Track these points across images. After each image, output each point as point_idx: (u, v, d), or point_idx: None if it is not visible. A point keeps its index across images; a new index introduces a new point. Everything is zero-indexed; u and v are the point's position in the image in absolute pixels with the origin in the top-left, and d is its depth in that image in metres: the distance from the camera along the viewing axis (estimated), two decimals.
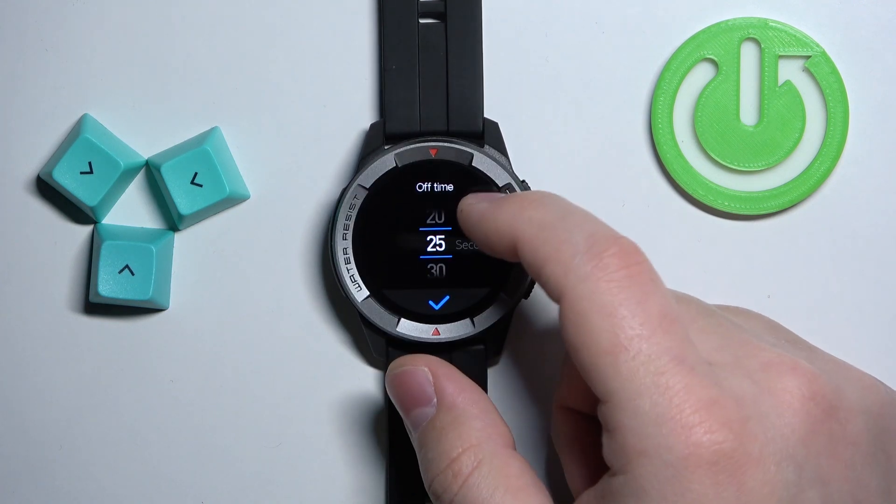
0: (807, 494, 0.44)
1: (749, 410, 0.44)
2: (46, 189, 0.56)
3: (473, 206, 0.49)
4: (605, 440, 0.45)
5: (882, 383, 0.49)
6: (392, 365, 0.51)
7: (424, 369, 0.50)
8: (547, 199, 0.47)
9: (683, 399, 0.43)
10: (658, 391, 0.43)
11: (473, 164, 0.53)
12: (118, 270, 0.55)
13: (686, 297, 0.48)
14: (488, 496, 0.47)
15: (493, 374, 0.56)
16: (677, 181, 0.56)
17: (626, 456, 0.44)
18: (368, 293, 0.54)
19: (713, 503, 0.43)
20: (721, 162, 0.55)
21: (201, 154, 0.54)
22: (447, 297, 0.54)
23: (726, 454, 0.43)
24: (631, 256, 0.45)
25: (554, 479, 0.56)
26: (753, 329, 0.49)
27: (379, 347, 0.55)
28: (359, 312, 0.54)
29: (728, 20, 0.55)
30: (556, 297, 0.45)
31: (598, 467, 0.49)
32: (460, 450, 0.48)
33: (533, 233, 0.46)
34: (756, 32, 0.55)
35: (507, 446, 0.49)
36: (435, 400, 0.50)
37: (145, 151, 0.56)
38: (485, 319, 0.54)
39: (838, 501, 0.45)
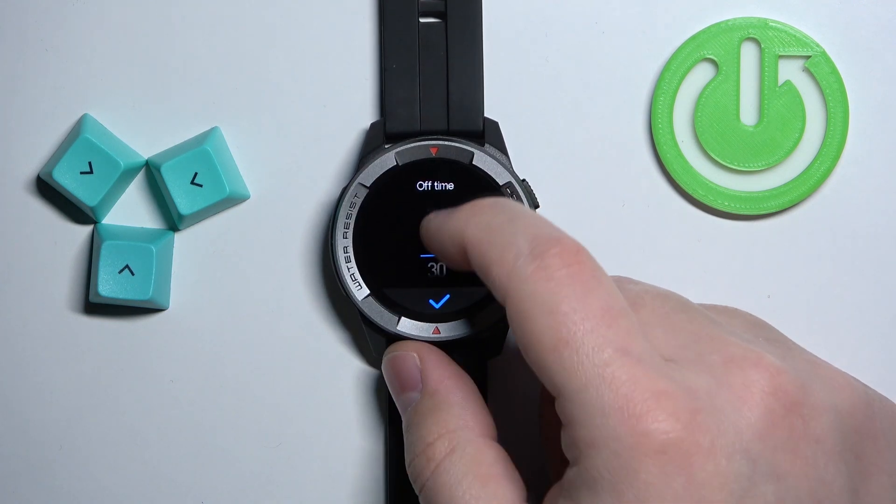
0: (760, 489, 0.44)
1: (701, 403, 0.44)
2: (46, 189, 0.56)
3: (431, 219, 0.50)
4: (562, 434, 0.45)
5: (860, 384, 0.49)
6: (388, 349, 0.53)
7: (413, 355, 0.52)
8: (496, 204, 0.48)
9: (630, 389, 0.43)
10: (603, 383, 0.44)
11: (474, 163, 0.53)
12: (118, 270, 0.55)
13: (663, 293, 0.49)
14: (456, 482, 0.47)
15: (492, 373, 0.56)
16: (677, 181, 0.56)
17: (577, 447, 0.44)
18: (369, 292, 0.54)
19: (662, 492, 0.43)
20: (721, 162, 0.55)
21: (201, 154, 0.54)
22: (447, 296, 0.54)
23: (674, 443, 0.43)
24: (572, 255, 0.45)
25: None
26: (730, 326, 0.49)
27: (379, 346, 0.55)
28: (359, 311, 0.54)
29: (728, 20, 0.55)
30: (501, 299, 0.46)
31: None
32: (436, 435, 0.49)
33: (480, 237, 0.47)
34: (756, 32, 0.55)
35: (485, 435, 0.49)
36: (421, 385, 0.51)
37: (145, 151, 0.56)
38: (485, 318, 0.54)
39: (795, 497, 0.45)
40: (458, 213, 0.48)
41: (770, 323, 0.52)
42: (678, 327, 0.47)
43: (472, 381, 0.51)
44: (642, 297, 0.48)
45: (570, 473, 0.45)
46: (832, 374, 0.48)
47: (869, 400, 0.48)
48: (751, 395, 0.45)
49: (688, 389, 0.44)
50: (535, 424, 0.56)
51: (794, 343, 0.51)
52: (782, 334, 0.51)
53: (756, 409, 0.45)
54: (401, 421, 0.52)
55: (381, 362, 0.56)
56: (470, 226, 0.48)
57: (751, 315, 0.51)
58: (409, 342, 0.53)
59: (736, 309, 0.52)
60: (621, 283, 0.49)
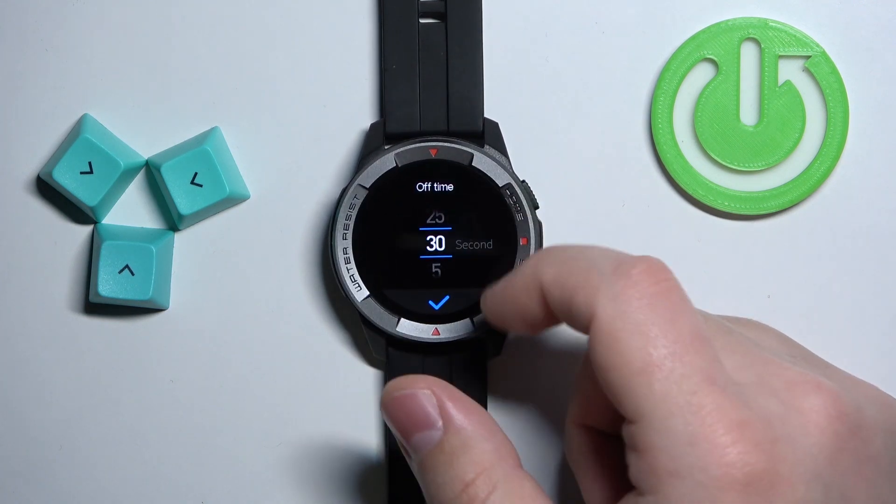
0: None
1: (778, 431, 0.44)
2: (46, 189, 0.56)
3: (490, 289, 0.50)
4: (632, 460, 0.44)
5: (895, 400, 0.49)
6: (389, 388, 0.49)
7: (427, 392, 0.48)
8: (559, 245, 0.48)
9: (716, 419, 0.43)
10: (691, 411, 0.43)
11: (473, 164, 0.53)
12: (118, 270, 0.55)
13: (705, 314, 0.48)
14: None
15: (492, 373, 0.56)
16: (677, 181, 0.56)
17: (656, 476, 0.43)
18: (368, 293, 0.54)
19: None
20: (721, 162, 0.55)
21: (201, 154, 0.54)
22: (447, 297, 0.54)
23: (758, 475, 0.43)
24: (660, 273, 0.45)
25: (560, 486, 0.56)
26: (770, 346, 0.49)
27: (379, 347, 0.55)
28: (359, 312, 0.54)
29: (728, 20, 0.55)
30: (587, 321, 0.45)
31: (618, 486, 0.48)
32: (473, 474, 0.47)
33: (556, 270, 0.46)
34: (756, 32, 0.55)
35: (517, 466, 0.48)
36: (440, 423, 0.48)
37: (145, 151, 0.56)
38: (485, 319, 0.54)
39: None
40: (523, 268, 0.48)
41: (777, 328, 0.52)
42: (730, 349, 0.46)
43: (484, 410, 0.49)
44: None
45: (640, 502, 0.44)
46: (875, 393, 0.49)
47: None
48: (818, 420, 0.45)
49: (764, 418, 0.44)
50: (534, 425, 0.56)
51: (824, 360, 0.51)
52: (809, 351, 0.51)
53: (825, 434, 0.45)
54: None
55: (380, 362, 0.56)
56: (542, 267, 0.47)
57: (774, 329, 0.51)
58: (411, 378, 0.49)
59: (759, 323, 0.51)
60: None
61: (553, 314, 0.47)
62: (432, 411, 0.48)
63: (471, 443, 0.48)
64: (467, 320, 0.54)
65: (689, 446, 0.43)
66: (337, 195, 0.55)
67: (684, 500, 0.43)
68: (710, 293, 0.56)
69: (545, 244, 0.55)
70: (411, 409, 0.48)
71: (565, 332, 0.56)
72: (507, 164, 0.54)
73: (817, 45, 0.55)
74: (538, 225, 0.54)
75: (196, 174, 0.54)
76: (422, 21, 0.54)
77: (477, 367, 0.55)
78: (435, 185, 0.54)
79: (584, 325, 0.45)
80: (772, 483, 0.43)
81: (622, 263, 0.45)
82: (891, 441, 0.47)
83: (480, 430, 0.48)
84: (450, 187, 0.53)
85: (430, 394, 0.48)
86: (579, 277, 0.45)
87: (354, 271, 0.54)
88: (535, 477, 0.50)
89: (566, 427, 0.51)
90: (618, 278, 0.44)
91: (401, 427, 0.49)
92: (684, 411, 0.43)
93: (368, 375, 0.57)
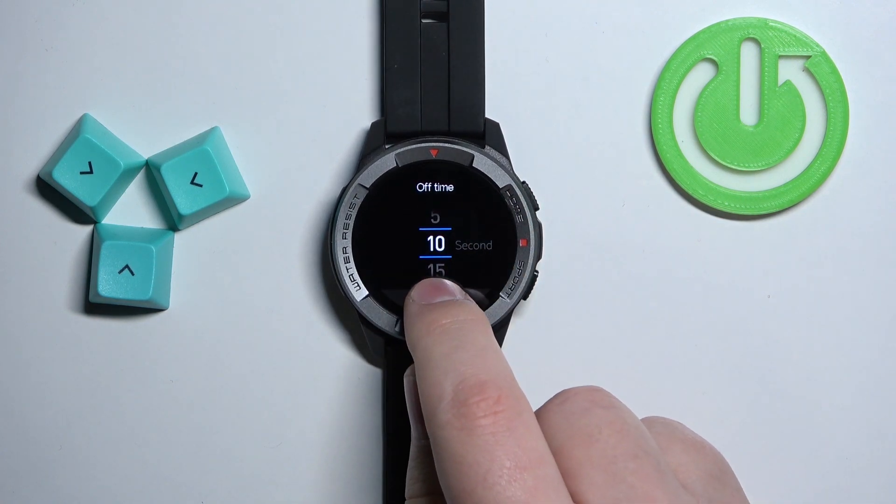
0: None
1: None
2: (46, 189, 0.56)
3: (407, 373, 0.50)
4: None
5: None
6: (410, 370, 0.50)
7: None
8: (446, 328, 0.48)
9: None
10: None
11: (474, 165, 0.53)
12: (118, 270, 0.55)
13: (628, 428, 0.46)
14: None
15: None
16: (677, 181, 0.56)
17: None
18: (367, 293, 0.54)
19: None
20: (721, 162, 0.55)
21: (201, 154, 0.54)
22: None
23: None
24: (491, 405, 0.44)
25: None
26: (685, 474, 0.47)
27: (378, 347, 0.55)
28: (358, 312, 0.54)
29: (728, 20, 0.55)
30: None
31: None
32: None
33: (420, 365, 0.47)
34: (756, 32, 0.55)
35: None
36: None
37: (145, 151, 0.56)
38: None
39: None
40: (418, 323, 0.48)
41: (732, 468, 0.49)
42: (617, 477, 0.45)
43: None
44: (600, 432, 0.46)
45: None
46: None
47: None
48: None
49: None
50: None
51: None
52: (739, 490, 0.48)
53: None
54: (399, 420, 0.52)
55: (380, 362, 0.56)
56: (418, 347, 0.47)
57: (718, 461, 0.48)
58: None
59: (708, 450, 0.48)
60: (591, 409, 0.46)
61: None
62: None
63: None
64: None
65: None
66: (337, 195, 0.55)
67: None
68: (710, 293, 0.56)
69: (545, 245, 0.55)
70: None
71: (565, 331, 0.56)
72: (507, 165, 0.54)
73: (817, 45, 0.55)
74: (538, 226, 0.54)
75: (196, 174, 0.54)
76: (423, 21, 0.54)
77: None
78: (435, 185, 0.54)
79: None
80: None
81: (462, 391, 0.45)
82: None
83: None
84: (450, 188, 0.53)
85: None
86: (426, 389, 0.46)
87: (354, 271, 0.54)
88: None
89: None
90: (452, 405, 0.45)
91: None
92: None
93: (368, 375, 0.57)
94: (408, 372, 0.50)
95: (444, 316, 0.48)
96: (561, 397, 0.47)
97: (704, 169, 0.56)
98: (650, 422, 0.48)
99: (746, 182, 0.56)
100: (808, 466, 0.57)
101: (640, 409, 0.56)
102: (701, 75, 0.56)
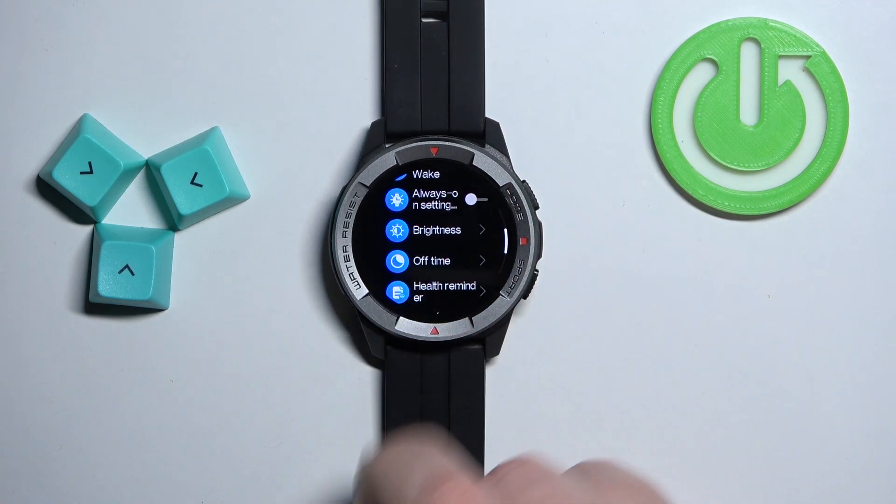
0: None
1: None
2: (46, 189, 0.56)
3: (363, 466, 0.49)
4: None
5: None
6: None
7: None
8: (402, 443, 0.47)
9: None
10: None
11: (474, 164, 0.53)
12: (118, 270, 0.55)
13: (559, 491, 0.45)
14: None
15: (491, 374, 0.56)
16: (677, 181, 0.56)
17: None
18: (367, 291, 0.54)
19: None
20: (721, 162, 0.55)
21: (201, 154, 0.54)
22: None
23: None
24: (459, 495, 0.43)
25: None
26: None
27: (378, 346, 0.55)
28: (357, 311, 0.54)
29: (728, 20, 0.55)
30: None
31: None
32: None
33: (383, 471, 0.45)
34: (756, 32, 0.55)
35: None
36: None
37: (145, 151, 0.56)
38: (484, 319, 0.54)
39: None
40: (369, 459, 0.47)
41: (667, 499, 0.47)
42: None
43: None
44: (522, 495, 0.44)
45: None
46: None
47: None
48: None
49: None
50: (533, 424, 0.56)
51: None
52: None
53: None
54: (398, 420, 0.52)
55: (380, 362, 0.56)
56: (378, 463, 0.46)
57: (659, 500, 0.46)
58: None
59: (646, 491, 0.46)
60: (527, 487, 0.45)
61: None
62: None
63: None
64: (466, 319, 0.54)
65: None
66: (337, 194, 0.55)
67: None
68: (710, 293, 0.56)
69: (545, 244, 0.55)
70: None
71: (565, 331, 0.56)
72: (507, 164, 0.54)
73: (817, 45, 0.55)
74: (538, 225, 0.54)
75: (196, 174, 0.54)
76: (424, 20, 0.55)
77: (476, 366, 0.55)
78: None
79: None
80: None
81: (431, 481, 0.44)
82: None
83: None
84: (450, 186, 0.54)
85: None
86: (394, 485, 0.45)
87: (354, 269, 0.54)
88: None
89: None
90: (421, 495, 0.43)
91: None
92: None
93: (367, 374, 0.57)
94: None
95: (399, 442, 0.47)
96: (496, 476, 0.46)
97: (704, 169, 0.56)
98: (584, 468, 0.47)
99: (746, 182, 0.56)
100: (808, 466, 0.57)
101: (641, 409, 0.56)
102: (701, 75, 0.56)
